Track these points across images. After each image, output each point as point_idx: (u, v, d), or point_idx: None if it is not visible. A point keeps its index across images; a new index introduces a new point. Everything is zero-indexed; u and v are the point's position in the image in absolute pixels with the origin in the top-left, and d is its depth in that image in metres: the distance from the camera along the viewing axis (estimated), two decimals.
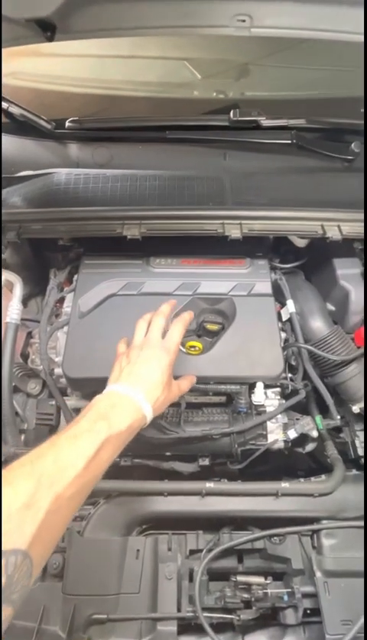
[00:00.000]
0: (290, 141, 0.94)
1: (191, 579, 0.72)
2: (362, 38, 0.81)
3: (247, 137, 0.95)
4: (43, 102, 1.08)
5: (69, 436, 0.52)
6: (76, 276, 0.98)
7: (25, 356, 1.04)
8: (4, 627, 0.39)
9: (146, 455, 0.88)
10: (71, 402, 0.94)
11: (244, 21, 0.74)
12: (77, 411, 0.94)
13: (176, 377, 0.73)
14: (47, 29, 0.74)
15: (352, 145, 0.96)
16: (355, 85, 1.02)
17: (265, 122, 0.94)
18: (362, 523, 0.75)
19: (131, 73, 1.14)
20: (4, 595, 0.38)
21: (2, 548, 0.39)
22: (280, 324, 0.94)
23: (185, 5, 0.72)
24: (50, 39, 0.75)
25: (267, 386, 0.89)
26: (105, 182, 0.93)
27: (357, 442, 0.93)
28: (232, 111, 0.93)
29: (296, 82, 1.04)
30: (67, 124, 1.00)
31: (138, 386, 0.63)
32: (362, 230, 0.86)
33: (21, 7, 0.69)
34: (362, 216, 0.86)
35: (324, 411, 0.92)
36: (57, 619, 0.66)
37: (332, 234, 0.85)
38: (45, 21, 0.72)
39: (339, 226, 0.85)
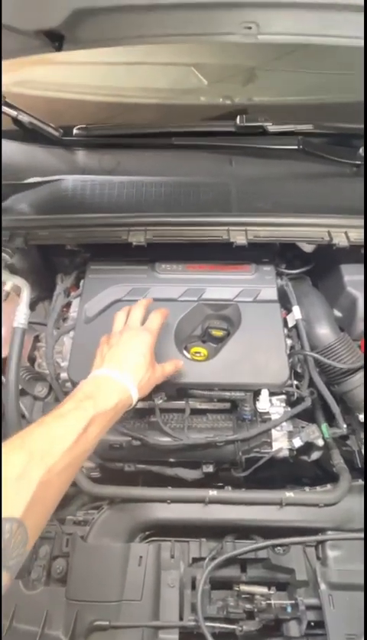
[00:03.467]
0: (296, 147, 0.94)
1: (194, 587, 0.72)
2: (359, 43, 0.81)
3: (253, 142, 0.95)
4: (52, 110, 1.09)
5: (57, 415, 0.54)
6: (82, 282, 0.99)
7: (32, 359, 1.05)
8: (4, 591, 0.40)
9: (150, 461, 0.88)
10: None
11: (250, 28, 0.74)
12: None
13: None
14: (56, 39, 0.75)
15: (360, 150, 0.95)
16: (360, 90, 1.01)
17: (272, 128, 0.93)
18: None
19: (138, 80, 1.15)
20: (3, 560, 0.40)
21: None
22: (286, 331, 0.93)
23: (192, 13, 0.72)
24: (59, 49, 0.76)
25: (272, 394, 0.88)
26: (112, 188, 0.93)
27: (364, 451, 0.92)
28: (238, 117, 0.93)
29: (303, 86, 1.03)
30: (75, 131, 1.01)
31: (122, 368, 0.64)
32: None
33: (29, 19, 0.71)
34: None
35: (330, 419, 0.90)
36: (60, 625, 0.66)
37: (339, 240, 0.84)
38: (53, 32, 0.74)
39: (346, 232, 0.84)
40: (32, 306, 1.09)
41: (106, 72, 1.10)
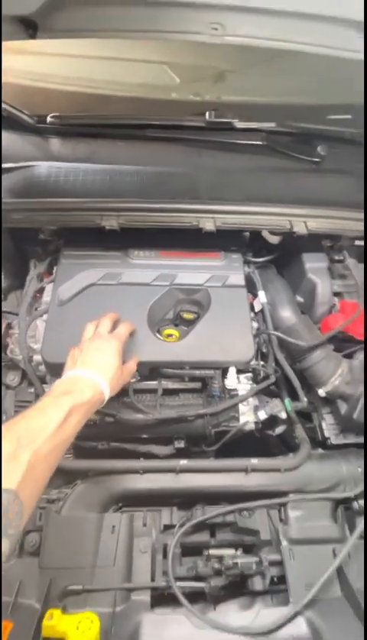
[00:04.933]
0: (261, 142, 1.01)
1: (165, 554, 0.75)
2: (325, 51, 0.89)
3: (221, 137, 1.01)
4: (27, 100, 1.10)
5: (37, 408, 0.59)
6: (55, 267, 1.01)
7: (5, 346, 1.05)
8: (3, 559, 0.44)
9: (123, 438, 0.91)
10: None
11: (216, 29, 0.80)
12: None
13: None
14: (30, 26, 0.77)
15: (318, 148, 1.03)
16: (321, 94, 1.10)
17: (238, 124, 1.00)
18: (326, 495, 0.81)
19: (113, 74, 1.18)
20: (3, 529, 0.44)
21: None
22: (252, 314, 1.00)
23: (161, 11, 0.77)
24: (33, 36, 0.79)
25: (239, 372, 0.94)
26: (85, 175, 0.96)
27: (324, 425, 0.99)
28: (207, 113, 0.99)
29: (269, 88, 1.11)
30: (48, 119, 1.03)
31: (94, 368, 0.70)
32: (326, 225, 0.93)
33: (5, 4, 0.73)
34: (326, 213, 0.93)
35: (294, 397, 0.97)
36: (33, 592, 0.67)
37: (299, 228, 0.91)
38: (28, 19, 0.76)
39: (305, 222, 0.92)
40: (4, 295, 1.09)
41: (81, 65, 1.13)
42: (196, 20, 0.79)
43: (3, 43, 0.80)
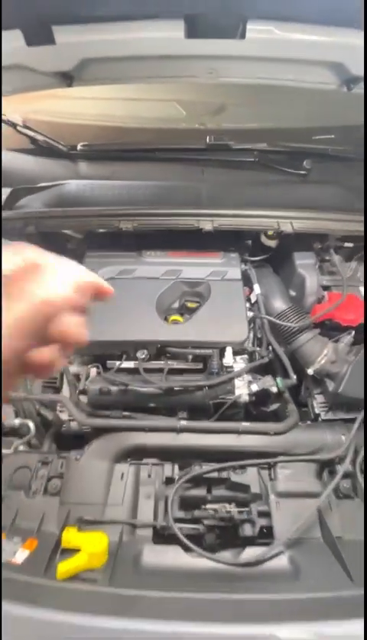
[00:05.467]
0: (254, 160, 1.19)
1: (166, 504, 0.86)
2: (306, 85, 1.07)
3: (219, 156, 1.20)
4: (62, 133, 1.35)
5: None
6: None
7: None
8: None
9: (134, 409, 1.04)
10: (72, 368, 1.12)
11: (212, 72, 1.00)
12: (77, 376, 1.11)
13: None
14: (67, 78, 1.01)
15: (304, 163, 1.20)
16: (306, 119, 1.28)
17: (234, 145, 1.19)
18: (311, 457, 0.90)
19: (132, 111, 1.43)
20: None
21: None
22: (248, 304, 1.14)
23: (168, 62, 0.99)
24: (69, 85, 1.02)
25: (236, 353, 1.07)
26: (107, 190, 1.17)
27: (315, 403, 1.09)
28: (207, 137, 1.19)
29: (261, 116, 1.31)
30: (79, 147, 1.27)
31: None
32: (310, 225, 1.08)
33: (47, 63, 0.96)
34: (310, 215, 1.09)
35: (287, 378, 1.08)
36: (54, 521, 0.80)
37: (285, 228, 1.07)
38: (66, 73, 0.99)
39: (291, 222, 1.07)
40: None
41: (105, 105, 1.38)
42: (196, 67, 1.00)
43: (46, 92, 1.04)
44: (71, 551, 0.72)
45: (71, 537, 0.73)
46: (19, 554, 0.72)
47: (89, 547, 0.71)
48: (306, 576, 0.72)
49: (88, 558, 0.69)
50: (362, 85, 1.01)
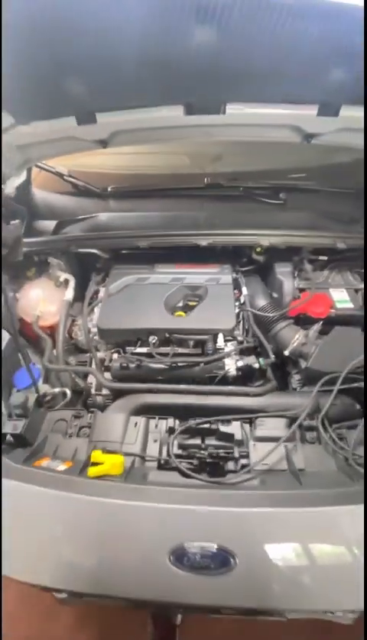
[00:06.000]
0: (241, 194, 1.55)
1: (168, 446, 1.12)
2: (283, 139, 1.44)
3: (214, 192, 1.57)
4: (96, 179, 1.78)
5: None
6: (107, 278, 1.56)
7: (69, 334, 1.57)
8: None
9: (146, 380, 1.33)
10: (99, 353, 1.44)
11: (205, 135, 1.39)
12: (103, 361, 1.42)
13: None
14: (103, 143, 1.43)
15: (281, 195, 1.55)
16: (283, 162, 1.65)
17: (225, 183, 1.56)
18: (283, 413, 1.15)
19: (149, 161, 1.85)
20: None
21: None
22: (237, 303, 1.44)
23: (174, 130, 1.38)
24: (104, 147, 1.43)
25: (227, 340, 1.36)
26: (129, 219, 1.55)
27: (292, 380, 1.35)
28: (205, 179, 1.57)
29: (247, 162, 1.69)
30: (109, 189, 1.68)
31: None
32: (284, 240, 1.40)
33: (90, 135, 1.38)
34: (283, 232, 1.41)
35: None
36: (84, 453, 1.08)
37: (264, 242, 1.39)
38: (103, 140, 1.41)
39: (268, 239, 1.40)
40: (72, 304, 1.65)
41: (129, 158, 1.81)
42: (193, 132, 1.39)
43: (87, 153, 1.45)
44: (97, 465, 0.99)
45: (97, 455, 1.00)
46: (60, 467, 1.00)
47: (110, 461, 0.98)
48: (272, 489, 0.95)
49: (109, 467, 0.96)
50: (319, 137, 1.36)
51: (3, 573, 0.87)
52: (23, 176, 1.48)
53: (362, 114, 1.16)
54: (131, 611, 1.61)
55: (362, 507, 0.84)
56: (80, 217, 1.62)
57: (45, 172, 1.64)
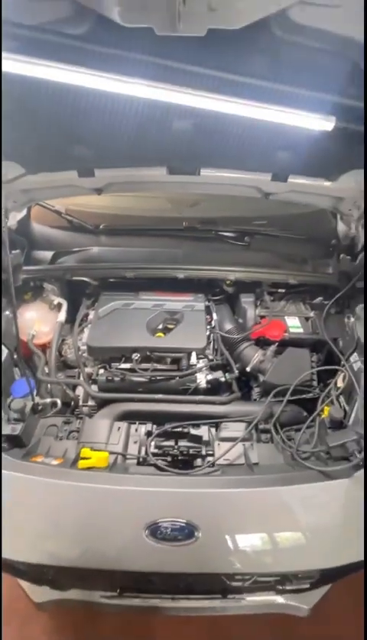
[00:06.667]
0: (213, 236, 1.86)
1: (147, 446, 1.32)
2: (248, 195, 1.77)
3: (191, 234, 1.87)
4: (89, 217, 2.05)
5: None
6: (96, 303, 1.78)
7: (60, 351, 1.77)
8: None
9: (129, 390, 1.53)
10: (87, 369, 1.64)
11: (183, 188, 1.70)
12: (90, 375, 1.62)
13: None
14: (98, 190, 1.70)
15: (245, 238, 1.87)
16: (248, 211, 1.99)
17: (200, 227, 1.87)
18: (243, 418, 1.37)
19: (135, 204, 2.15)
20: None
21: None
22: (208, 326, 1.70)
23: (158, 184, 1.68)
24: (99, 194, 1.71)
25: (199, 358, 1.59)
26: (117, 253, 1.81)
27: (253, 392, 1.59)
28: (183, 222, 1.88)
29: (219, 209, 2.02)
30: (101, 227, 1.95)
31: None
32: (247, 275, 1.69)
33: (88, 185, 1.65)
34: (247, 269, 1.70)
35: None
36: (73, 453, 1.25)
37: (230, 277, 1.68)
38: (98, 189, 1.69)
39: (234, 274, 1.69)
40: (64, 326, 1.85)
41: (118, 200, 2.10)
42: (174, 186, 1.70)
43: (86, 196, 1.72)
44: (86, 459, 1.17)
45: (86, 451, 1.18)
46: (53, 462, 1.17)
47: (97, 456, 1.16)
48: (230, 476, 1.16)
49: (96, 460, 1.15)
50: (274, 195, 1.69)
51: (4, 556, 1.02)
52: (24, 212, 1.73)
53: (305, 181, 1.50)
54: (106, 615, 1.71)
55: (302, 486, 1.06)
56: (75, 249, 1.87)
57: (44, 209, 1.90)
